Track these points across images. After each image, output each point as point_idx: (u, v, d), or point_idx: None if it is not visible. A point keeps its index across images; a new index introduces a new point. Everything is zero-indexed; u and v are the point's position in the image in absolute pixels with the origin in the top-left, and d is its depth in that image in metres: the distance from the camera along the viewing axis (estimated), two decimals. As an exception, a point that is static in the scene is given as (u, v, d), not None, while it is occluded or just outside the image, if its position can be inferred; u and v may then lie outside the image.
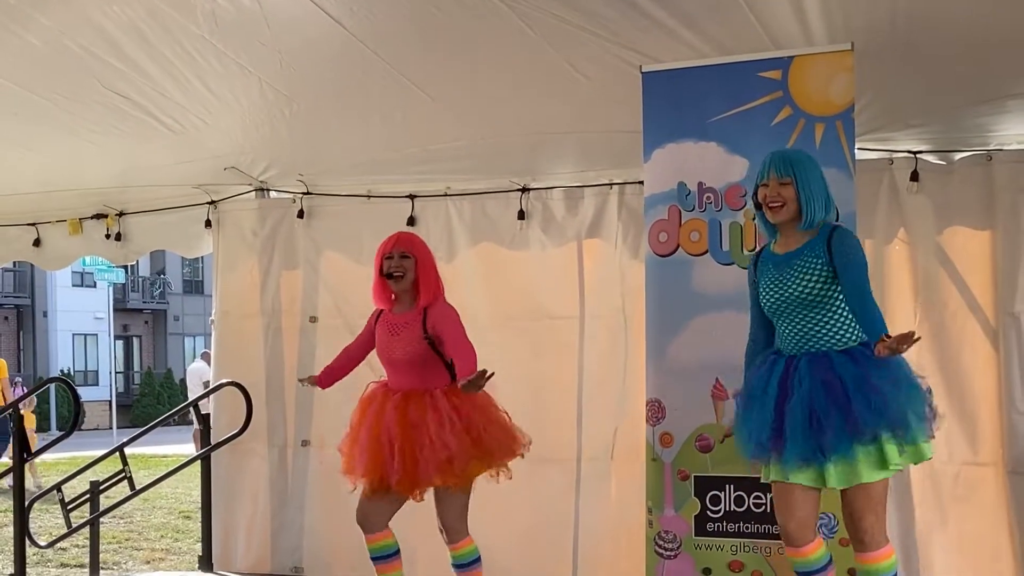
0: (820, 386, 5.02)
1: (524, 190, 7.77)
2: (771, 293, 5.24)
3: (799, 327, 5.17)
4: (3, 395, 19.86)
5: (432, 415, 5.94)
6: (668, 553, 6.42)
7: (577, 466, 7.64)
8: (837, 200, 6.08)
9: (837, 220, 5.46)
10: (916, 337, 4.75)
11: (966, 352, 6.84)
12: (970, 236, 6.84)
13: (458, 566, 6.16)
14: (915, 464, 5.24)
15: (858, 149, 6.54)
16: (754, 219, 6.26)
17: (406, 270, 6.06)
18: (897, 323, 6.83)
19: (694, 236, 6.42)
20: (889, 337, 4.74)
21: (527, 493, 7.63)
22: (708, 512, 6.35)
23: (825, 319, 5.14)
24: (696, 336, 6.35)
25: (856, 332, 5.12)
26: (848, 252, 5.10)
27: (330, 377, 6.42)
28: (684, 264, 6.43)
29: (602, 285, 7.58)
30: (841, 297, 5.13)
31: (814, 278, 5.12)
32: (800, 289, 5.14)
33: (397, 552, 6.24)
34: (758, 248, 5.47)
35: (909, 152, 6.85)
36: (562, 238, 7.73)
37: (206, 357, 21.29)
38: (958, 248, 6.86)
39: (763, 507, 6.23)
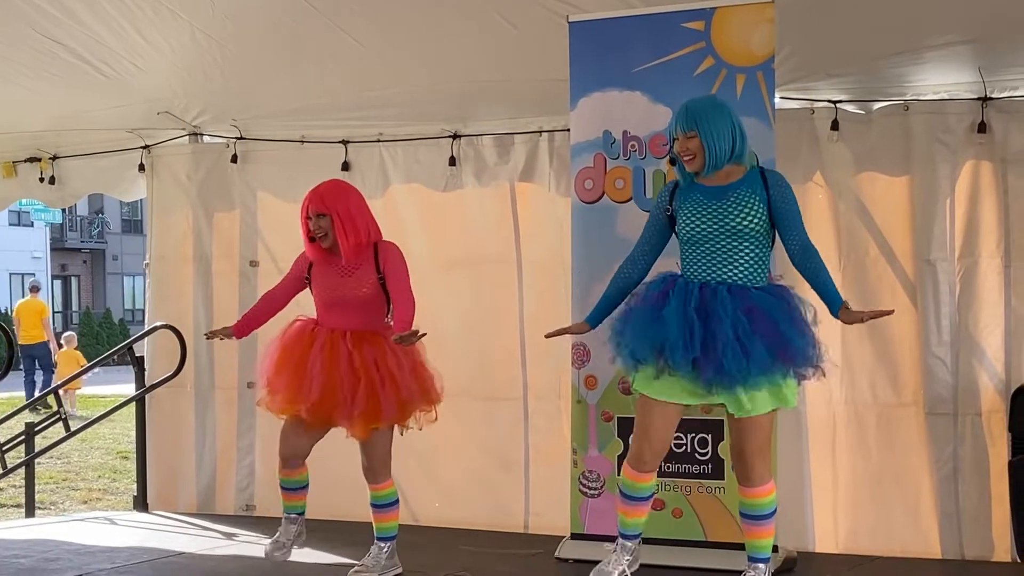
0: (745, 314, 5.17)
1: (455, 136, 7.86)
2: (700, 221, 5.32)
3: (721, 257, 5.29)
4: (46, 334, 20.52)
5: (392, 358, 5.97)
6: (592, 492, 6.59)
7: (524, 404, 7.75)
8: (757, 149, 6.22)
9: (758, 162, 5.59)
10: (891, 311, 5.21)
11: (886, 297, 6.97)
12: (888, 184, 6.98)
13: (378, 506, 6.23)
14: (790, 407, 5.44)
15: (780, 98, 6.69)
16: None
17: (326, 230, 6.01)
18: (822, 270, 7.04)
19: (619, 184, 6.55)
20: (852, 311, 5.15)
21: (477, 432, 7.80)
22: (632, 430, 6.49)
23: (749, 253, 5.29)
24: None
25: (763, 274, 5.32)
26: (791, 202, 5.33)
27: (249, 325, 6.37)
28: (609, 211, 6.56)
29: (537, 229, 7.70)
30: (766, 240, 5.33)
31: (751, 212, 5.28)
32: (740, 220, 5.27)
33: (307, 485, 6.32)
34: (673, 182, 5.55)
35: (829, 102, 6.98)
36: (495, 184, 7.82)
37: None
38: (877, 196, 7.00)
39: (683, 447, 6.41)
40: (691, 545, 6.37)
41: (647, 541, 6.38)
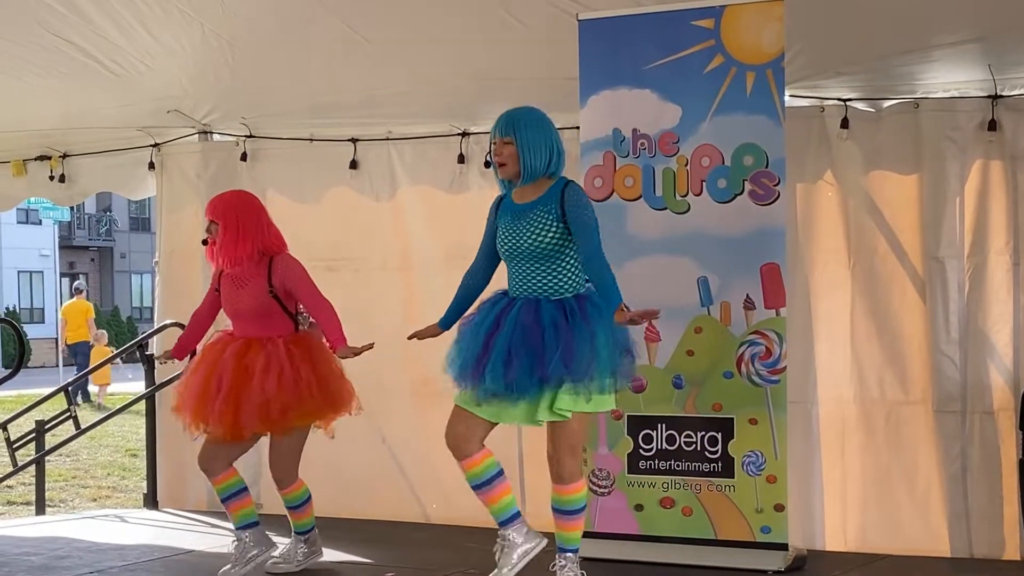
0: (521, 328, 5.35)
1: (464, 134, 7.87)
2: (506, 240, 5.52)
3: (525, 274, 5.48)
4: (89, 333, 21.34)
5: (263, 361, 6.10)
6: (602, 490, 6.60)
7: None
8: (767, 147, 6.27)
9: (567, 177, 5.60)
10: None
11: (895, 295, 6.99)
12: (898, 182, 6.97)
13: (292, 508, 6.37)
14: (594, 412, 5.51)
15: (790, 96, 6.70)
16: (687, 165, 6.44)
17: (213, 236, 6.19)
18: (831, 268, 7.05)
19: (628, 182, 6.56)
20: (628, 309, 5.20)
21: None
22: (640, 450, 6.53)
23: (549, 270, 5.45)
24: (630, 280, 6.43)
25: (573, 286, 5.45)
26: (582, 212, 5.41)
27: (185, 349, 6.52)
28: (618, 209, 6.57)
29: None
30: (569, 252, 5.45)
31: (546, 232, 5.41)
32: (532, 241, 5.42)
33: (245, 488, 6.40)
34: (502, 194, 5.67)
35: (839, 100, 6.98)
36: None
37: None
38: (886, 194, 7.00)
39: (694, 445, 6.42)
40: (701, 543, 6.38)
41: (657, 539, 6.43)
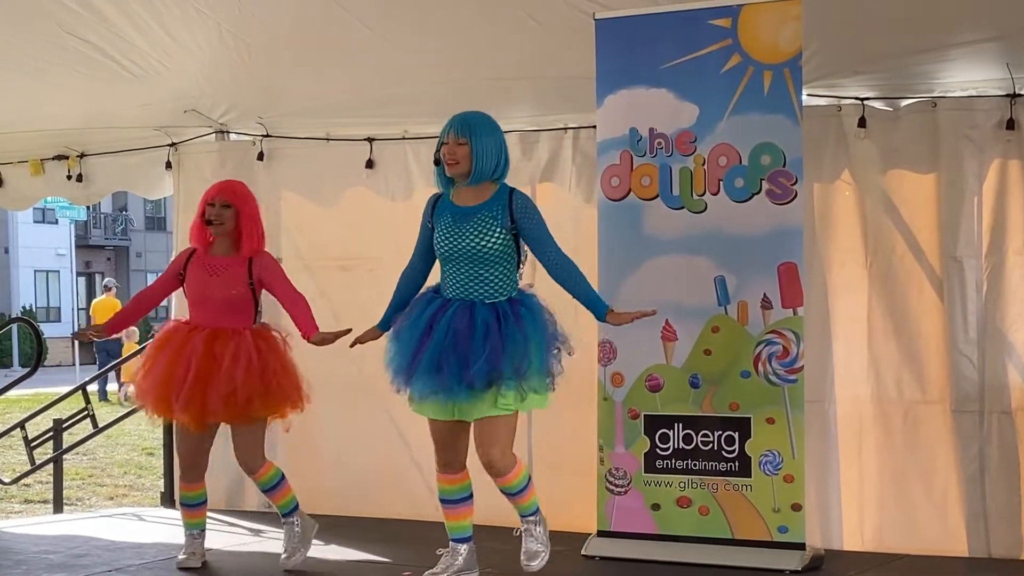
0: (453, 333, 5.49)
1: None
2: (447, 242, 5.62)
3: (462, 276, 5.60)
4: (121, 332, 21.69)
5: (231, 351, 6.19)
6: (618, 489, 6.60)
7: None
8: (784, 146, 6.27)
9: (508, 184, 5.72)
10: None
11: (913, 294, 6.98)
12: (915, 181, 6.96)
13: (269, 490, 6.47)
14: (526, 411, 5.73)
15: (807, 95, 6.68)
16: (704, 164, 6.43)
17: (225, 219, 6.27)
18: (848, 267, 7.03)
19: (645, 181, 6.56)
20: (618, 312, 5.58)
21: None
22: (657, 450, 6.53)
23: (487, 274, 5.59)
24: (647, 279, 6.51)
25: (507, 290, 5.61)
26: (536, 222, 5.61)
27: (120, 324, 6.65)
28: (635, 208, 6.57)
29: (555, 228, 7.66)
30: (508, 258, 5.60)
31: (490, 236, 5.55)
32: (475, 244, 5.55)
33: (206, 501, 6.57)
34: (436, 194, 5.79)
35: (856, 99, 6.96)
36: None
37: None
38: (904, 193, 6.98)
39: (711, 445, 6.42)
40: (718, 543, 6.37)
41: (674, 539, 6.43)
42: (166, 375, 6.21)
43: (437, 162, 5.65)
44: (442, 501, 5.84)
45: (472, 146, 5.55)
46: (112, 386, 21.98)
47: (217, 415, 6.19)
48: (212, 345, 6.21)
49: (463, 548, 5.82)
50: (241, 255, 6.31)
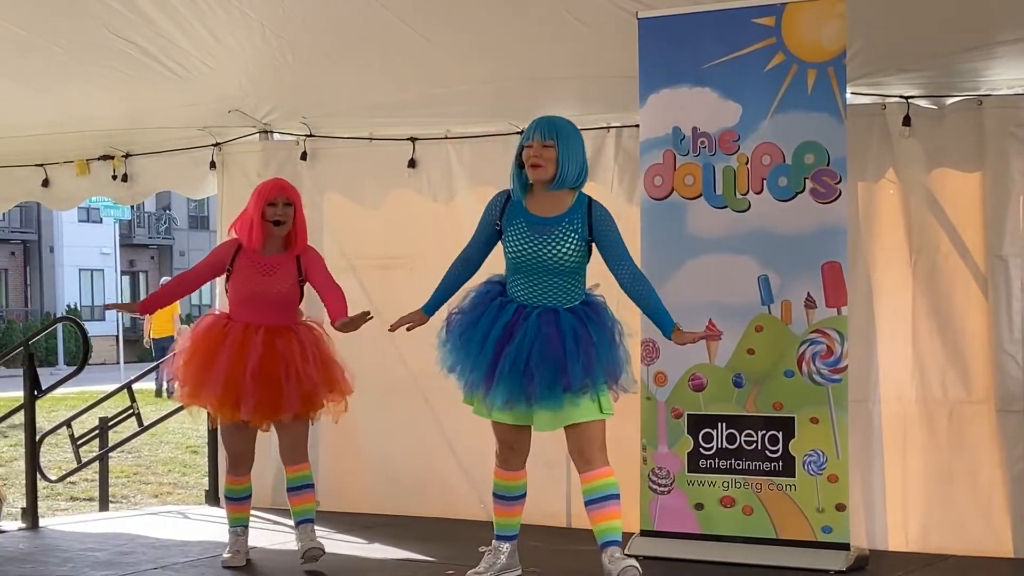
0: (544, 338, 5.46)
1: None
2: (522, 251, 5.58)
3: (541, 285, 5.58)
4: (174, 329, 22.08)
5: (299, 348, 6.24)
6: (662, 489, 6.59)
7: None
8: (829, 145, 6.24)
9: (586, 193, 5.72)
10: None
11: (958, 293, 6.94)
12: (961, 180, 6.92)
13: (295, 488, 6.43)
14: (606, 415, 5.63)
15: (851, 94, 6.65)
16: (747, 163, 6.41)
17: (289, 218, 6.29)
18: (893, 266, 7.00)
19: (688, 180, 6.54)
20: (683, 332, 5.57)
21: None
22: (701, 449, 6.51)
23: (567, 283, 5.59)
24: (690, 278, 6.49)
25: (581, 294, 5.62)
26: (613, 232, 5.59)
27: (157, 302, 6.72)
28: (679, 207, 6.56)
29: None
30: (583, 265, 5.61)
31: (573, 250, 5.54)
32: (555, 256, 5.53)
33: (251, 495, 6.62)
34: (506, 191, 5.76)
35: (901, 97, 6.93)
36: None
37: None
38: (949, 192, 6.94)
39: (754, 444, 6.40)
40: (762, 543, 6.35)
41: (718, 539, 6.41)
42: (227, 375, 6.18)
43: (520, 165, 5.58)
44: (496, 496, 5.85)
45: (559, 151, 5.50)
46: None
47: (292, 411, 6.22)
48: (273, 343, 6.22)
49: (505, 547, 5.82)
50: (291, 252, 6.33)
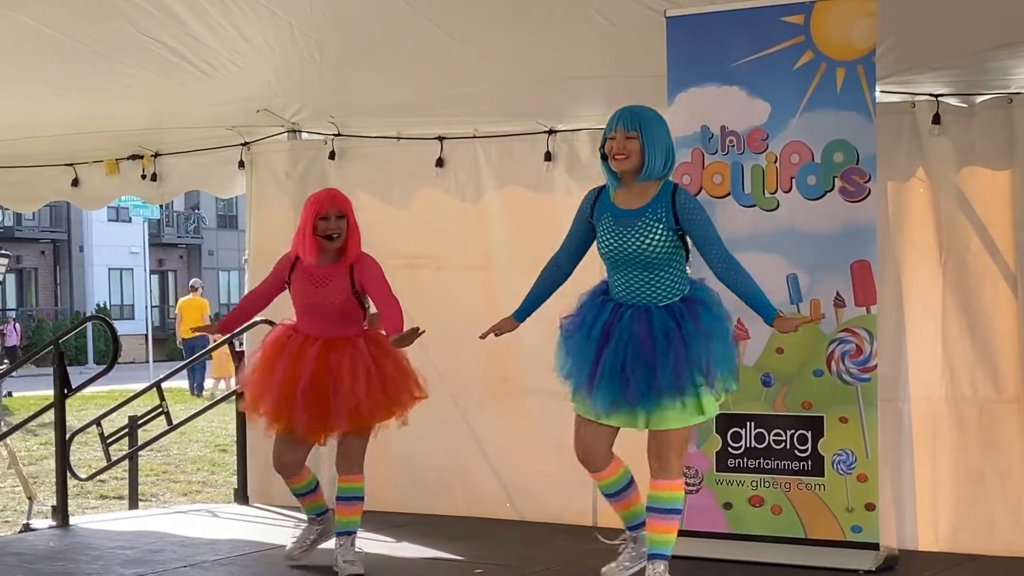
0: (636, 341, 5.32)
1: (551, 132, 7.86)
2: (611, 245, 5.45)
3: (631, 280, 5.43)
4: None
5: (349, 363, 6.12)
6: (690, 488, 6.57)
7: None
8: (858, 143, 6.22)
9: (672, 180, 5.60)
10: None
11: (988, 292, 6.91)
12: (991, 178, 6.88)
13: (343, 498, 6.30)
14: (707, 416, 5.51)
15: (880, 92, 6.63)
16: (776, 162, 6.40)
17: (342, 231, 6.17)
18: (922, 265, 6.97)
19: (717, 179, 6.53)
20: (785, 318, 5.38)
21: (551, 431, 7.78)
22: (729, 448, 6.50)
23: (658, 277, 5.41)
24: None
25: (679, 290, 5.43)
26: (701, 221, 5.42)
27: (233, 323, 6.66)
28: (707, 206, 6.41)
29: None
30: (677, 258, 5.42)
31: (658, 240, 5.37)
32: (642, 249, 5.38)
33: (318, 484, 6.52)
34: (597, 187, 5.66)
35: (931, 95, 6.90)
36: (587, 180, 7.76)
37: None
38: (979, 190, 6.91)
39: (783, 444, 6.38)
40: (791, 542, 6.34)
41: (746, 538, 6.40)
42: (282, 389, 6.14)
43: (604, 157, 5.47)
44: (606, 496, 5.74)
45: (643, 141, 5.37)
46: (209, 381, 22.37)
47: (341, 427, 6.15)
48: (327, 356, 6.13)
49: (640, 534, 5.71)
50: (344, 263, 6.22)
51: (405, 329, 5.94)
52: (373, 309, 6.33)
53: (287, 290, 6.37)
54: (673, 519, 5.49)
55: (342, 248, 6.22)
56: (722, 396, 5.46)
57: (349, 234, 6.22)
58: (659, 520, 5.47)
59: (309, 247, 6.19)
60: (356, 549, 6.28)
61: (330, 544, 6.37)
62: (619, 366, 5.31)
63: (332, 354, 6.15)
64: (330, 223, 6.16)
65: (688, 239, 5.46)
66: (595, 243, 5.60)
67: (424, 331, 5.96)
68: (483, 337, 5.81)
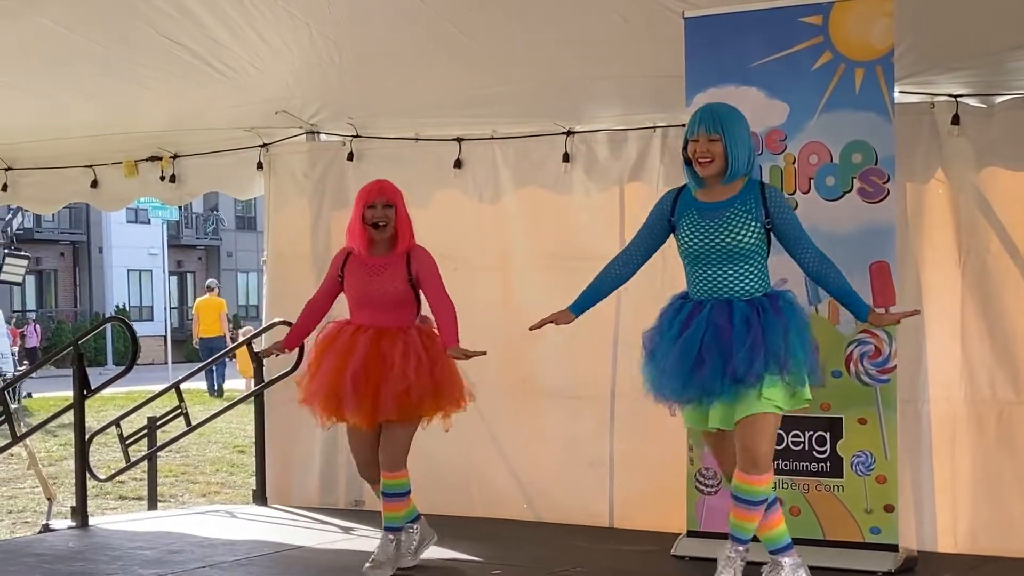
0: (714, 327, 5.27)
1: (568, 133, 7.86)
2: (696, 239, 5.40)
3: (713, 275, 5.39)
4: (223, 328, 22.35)
5: (401, 348, 6.15)
6: (708, 490, 6.57)
7: (611, 404, 7.75)
8: (877, 144, 6.20)
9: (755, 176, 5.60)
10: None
11: (1008, 293, 6.88)
12: (1010, 179, 6.86)
13: (390, 495, 6.30)
14: (793, 408, 5.44)
15: (899, 93, 6.61)
16: (794, 162, 6.39)
17: (389, 219, 6.23)
18: (941, 266, 6.96)
19: (733, 180, 6.51)
20: (880, 313, 5.40)
21: (562, 431, 7.81)
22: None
23: (740, 271, 5.37)
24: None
25: (762, 287, 5.40)
26: (791, 216, 5.42)
27: (297, 339, 6.60)
28: (725, 207, 6.51)
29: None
30: (761, 254, 5.39)
31: (746, 231, 5.34)
32: (730, 239, 5.34)
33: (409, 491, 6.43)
34: (676, 187, 5.64)
35: (950, 96, 6.88)
36: (605, 181, 7.81)
37: None
38: (999, 191, 6.89)
39: (801, 445, 6.37)
40: (809, 543, 6.30)
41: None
42: (333, 377, 6.18)
43: (687, 161, 5.43)
44: (736, 500, 5.55)
45: (726, 142, 5.33)
46: (230, 383, 22.37)
47: (389, 413, 6.14)
48: (379, 344, 6.17)
49: (785, 558, 5.60)
50: (398, 252, 6.26)
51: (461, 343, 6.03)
52: (426, 308, 6.36)
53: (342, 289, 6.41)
54: (753, 510, 5.40)
55: (394, 237, 6.27)
56: (798, 391, 5.34)
57: (399, 224, 6.27)
58: (739, 509, 5.42)
59: (359, 236, 6.27)
60: (398, 544, 6.35)
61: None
62: (694, 350, 5.26)
63: (384, 341, 6.18)
64: (377, 211, 6.22)
65: (772, 235, 5.42)
66: (675, 242, 5.54)
67: (485, 353, 6.00)
68: (534, 329, 5.78)
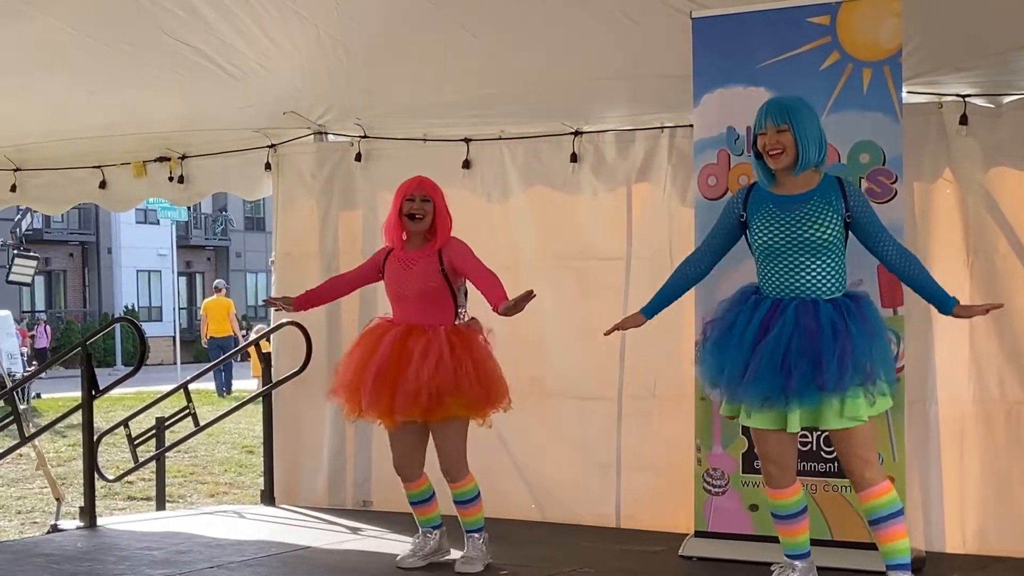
0: (802, 331, 5.18)
1: (576, 133, 7.87)
2: (772, 233, 5.35)
3: (790, 272, 5.33)
4: (232, 328, 22.39)
5: (423, 347, 6.15)
6: (716, 490, 6.57)
7: (619, 404, 7.75)
8: (885, 144, 6.20)
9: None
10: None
11: (1017, 294, 6.87)
12: (1019, 179, 6.84)
13: (460, 503, 6.37)
14: (873, 416, 5.38)
15: (907, 93, 6.61)
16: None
17: (426, 213, 6.28)
18: (949, 267, 6.92)
19: (743, 180, 6.49)
20: (968, 306, 5.32)
21: (570, 431, 7.81)
22: (755, 450, 6.46)
23: (818, 267, 5.32)
24: (746, 278, 6.40)
25: (841, 286, 5.35)
26: (871, 211, 5.36)
27: (311, 301, 6.62)
28: (732, 208, 6.51)
29: (649, 228, 7.67)
30: (839, 249, 5.33)
31: (826, 225, 5.29)
32: (809, 233, 5.29)
33: (433, 495, 6.49)
34: (746, 186, 5.62)
35: (958, 96, 6.87)
36: (612, 181, 7.81)
37: None
38: (1007, 191, 6.88)
39: (809, 445, 6.36)
40: (817, 544, 6.28)
41: (772, 540, 6.35)
42: (357, 373, 6.23)
43: (758, 155, 5.38)
44: (774, 516, 5.59)
45: (795, 133, 5.28)
46: (240, 383, 22.41)
47: (406, 412, 6.14)
48: (405, 341, 6.19)
49: (799, 564, 5.58)
50: (433, 247, 6.29)
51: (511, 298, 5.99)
52: (470, 314, 6.40)
53: (381, 280, 6.45)
54: (893, 524, 5.33)
55: (430, 232, 6.30)
56: (877, 400, 5.27)
57: (437, 219, 6.31)
58: (882, 530, 5.34)
59: (394, 228, 6.33)
60: (483, 545, 6.40)
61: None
62: (780, 357, 5.17)
63: (410, 339, 6.20)
64: (415, 204, 6.28)
65: (849, 231, 5.38)
66: (749, 238, 5.50)
67: (535, 295, 5.97)
68: (608, 334, 5.79)
